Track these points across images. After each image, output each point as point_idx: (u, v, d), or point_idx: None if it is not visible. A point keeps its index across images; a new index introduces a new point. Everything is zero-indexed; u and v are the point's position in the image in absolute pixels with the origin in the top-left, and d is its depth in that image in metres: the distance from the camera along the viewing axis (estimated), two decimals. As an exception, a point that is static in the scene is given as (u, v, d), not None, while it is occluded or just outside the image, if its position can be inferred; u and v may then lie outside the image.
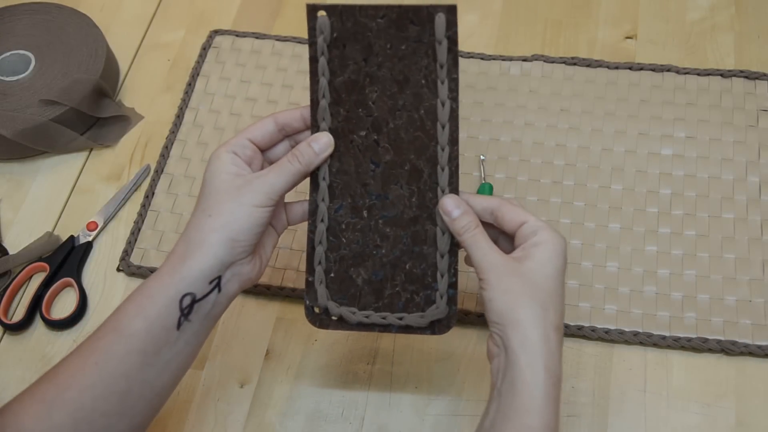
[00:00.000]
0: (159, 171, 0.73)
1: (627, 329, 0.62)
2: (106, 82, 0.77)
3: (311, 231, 0.54)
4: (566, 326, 0.63)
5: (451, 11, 0.50)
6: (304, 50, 0.80)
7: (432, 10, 0.50)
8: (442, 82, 0.51)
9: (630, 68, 0.75)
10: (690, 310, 0.63)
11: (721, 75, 0.74)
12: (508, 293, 0.48)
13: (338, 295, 0.54)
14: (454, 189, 0.52)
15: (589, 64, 0.76)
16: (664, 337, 0.62)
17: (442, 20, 0.50)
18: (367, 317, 0.54)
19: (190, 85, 0.79)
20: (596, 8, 0.81)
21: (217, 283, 0.50)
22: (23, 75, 0.76)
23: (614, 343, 0.62)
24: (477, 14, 0.82)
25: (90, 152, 0.77)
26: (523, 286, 0.48)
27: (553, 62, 0.76)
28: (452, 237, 0.52)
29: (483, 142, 0.72)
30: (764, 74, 0.74)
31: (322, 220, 0.54)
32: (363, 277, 0.54)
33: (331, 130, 0.53)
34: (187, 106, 0.77)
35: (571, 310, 0.63)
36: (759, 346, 0.61)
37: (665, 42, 0.78)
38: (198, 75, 0.79)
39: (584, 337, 0.63)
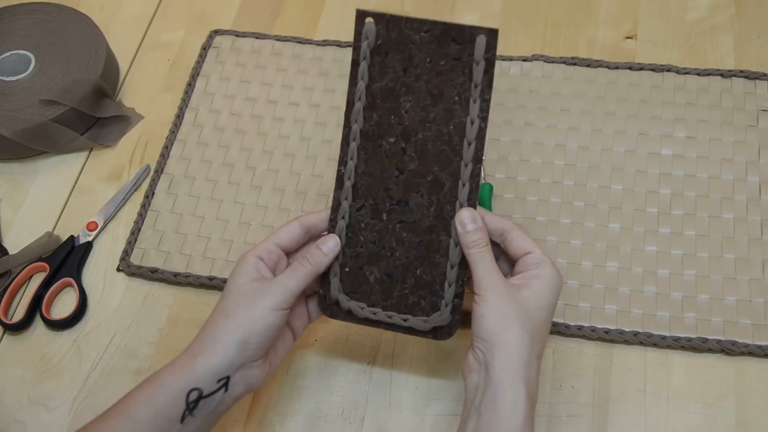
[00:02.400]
0: (159, 171, 0.73)
1: (627, 329, 0.62)
2: (106, 82, 0.77)
3: (332, 226, 0.56)
4: (566, 326, 0.63)
5: (492, 34, 0.52)
6: (304, 50, 0.80)
7: (474, 31, 0.52)
8: (474, 101, 0.53)
9: (630, 68, 0.75)
10: (690, 310, 0.63)
11: (721, 75, 0.74)
12: (502, 315, 0.50)
13: (350, 289, 0.56)
14: (472, 204, 0.54)
15: (589, 64, 0.76)
16: (664, 337, 0.62)
17: (483, 42, 0.52)
18: (374, 314, 0.55)
19: (190, 85, 0.79)
20: (596, 8, 0.81)
21: (225, 382, 0.51)
22: (23, 75, 0.76)
23: (614, 343, 0.62)
24: (477, 14, 0.82)
25: (90, 152, 0.77)
26: (517, 311, 0.50)
27: (553, 62, 0.76)
28: None
29: (483, 142, 0.72)
30: (764, 74, 0.74)
31: (343, 217, 0.55)
32: (375, 275, 0.55)
33: (362, 132, 0.55)
34: (187, 106, 0.77)
35: (571, 310, 0.63)
36: (759, 346, 0.61)
37: (665, 42, 0.78)
38: (198, 75, 0.79)
39: (584, 337, 0.63)
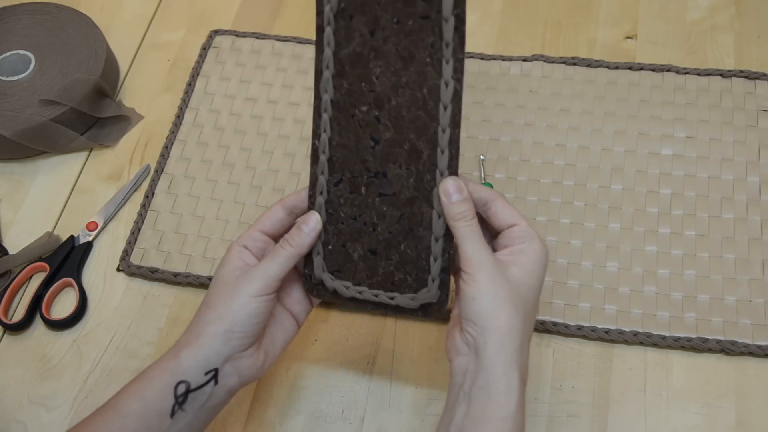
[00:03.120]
0: (159, 171, 0.73)
1: (627, 329, 0.62)
2: (106, 82, 0.77)
3: (311, 203, 0.54)
4: (566, 326, 0.63)
5: None
6: (304, 50, 0.80)
7: None
8: (447, 62, 0.49)
9: (630, 68, 0.76)
10: (690, 310, 0.63)
11: (721, 75, 0.74)
12: (494, 296, 0.47)
13: (334, 268, 0.54)
14: (454, 172, 0.51)
15: (589, 64, 0.76)
16: (664, 337, 0.62)
17: None
18: (359, 293, 0.53)
19: (190, 85, 0.79)
20: (596, 8, 0.81)
21: (213, 375, 0.50)
22: (23, 75, 0.76)
23: (614, 343, 0.62)
24: (477, 14, 0.82)
25: (90, 152, 0.77)
26: (510, 293, 0.48)
27: (553, 62, 0.76)
28: None
29: (483, 142, 0.72)
30: (764, 74, 0.74)
31: (321, 193, 0.53)
32: (359, 252, 0.53)
33: (333, 103, 0.52)
34: (187, 106, 0.77)
35: (571, 310, 0.63)
36: (759, 346, 0.61)
37: (665, 42, 0.78)
38: (198, 75, 0.79)
39: (584, 337, 0.63)
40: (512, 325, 0.47)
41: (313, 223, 0.53)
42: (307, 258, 0.54)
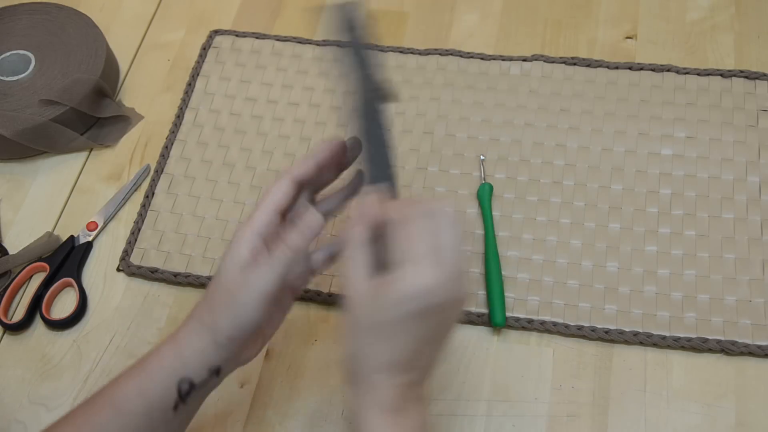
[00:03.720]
0: (159, 171, 0.73)
1: (627, 329, 0.62)
2: (106, 82, 0.77)
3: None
4: (566, 326, 0.63)
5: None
6: (304, 50, 0.80)
7: None
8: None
9: (630, 68, 0.75)
10: (690, 310, 0.63)
11: (721, 75, 0.74)
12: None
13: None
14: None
15: (589, 64, 0.76)
16: (664, 337, 0.62)
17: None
18: None
19: (190, 85, 0.79)
20: (596, 8, 0.81)
21: (216, 371, 0.50)
22: (23, 75, 0.76)
23: (614, 343, 0.62)
24: (477, 14, 0.82)
25: (90, 152, 0.77)
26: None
27: (553, 62, 0.76)
28: None
29: (483, 142, 0.72)
30: (764, 74, 0.74)
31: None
32: None
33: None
34: (187, 106, 0.77)
35: (571, 310, 0.63)
36: (759, 346, 0.61)
37: (665, 42, 0.78)
38: (198, 75, 0.79)
39: (584, 337, 0.63)
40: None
41: (317, 227, 0.51)
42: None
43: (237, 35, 0.82)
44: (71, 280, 0.68)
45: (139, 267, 0.68)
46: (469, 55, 0.78)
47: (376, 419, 0.45)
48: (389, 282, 0.44)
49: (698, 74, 0.75)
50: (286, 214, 0.52)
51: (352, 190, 0.56)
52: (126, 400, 0.49)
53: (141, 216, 0.71)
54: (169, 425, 0.49)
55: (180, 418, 0.50)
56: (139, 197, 0.73)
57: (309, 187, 0.54)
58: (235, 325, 0.49)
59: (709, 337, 0.61)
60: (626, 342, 0.62)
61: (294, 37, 0.81)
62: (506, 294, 0.64)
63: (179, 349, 0.49)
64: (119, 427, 0.48)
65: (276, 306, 0.52)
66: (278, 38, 0.81)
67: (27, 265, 0.69)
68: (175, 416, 0.49)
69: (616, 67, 0.76)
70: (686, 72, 0.75)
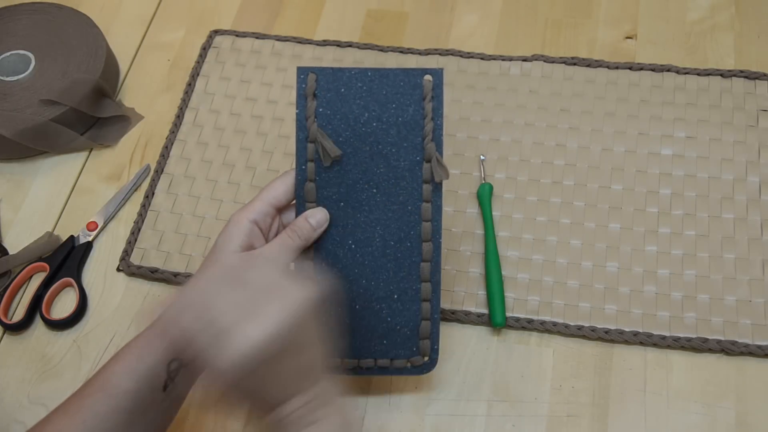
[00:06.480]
0: (159, 171, 0.73)
1: (627, 329, 0.62)
2: (106, 82, 0.77)
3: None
4: (566, 326, 0.63)
5: None
6: (304, 50, 0.80)
7: None
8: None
9: (630, 68, 0.75)
10: (690, 310, 0.63)
11: (721, 75, 0.74)
12: None
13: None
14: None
15: (589, 64, 0.76)
16: (664, 337, 0.62)
17: None
18: None
19: (190, 85, 0.79)
20: (596, 8, 0.81)
21: None
22: (23, 75, 0.76)
23: (614, 343, 0.62)
24: (477, 14, 0.82)
25: (90, 152, 0.77)
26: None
27: (553, 62, 0.76)
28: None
29: (483, 142, 0.72)
30: (764, 74, 0.74)
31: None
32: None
33: None
34: (187, 106, 0.77)
35: (571, 310, 0.63)
36: (759, 346, 0.61)
37: (665, 42, 0.78)
38: (198, 75, 0.79)
39: (584, 337, 0.63)
40: None
41: (320, 219, 0.53)
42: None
43: (237, 35, 0.82)
44: (71, 280, 0.68)
45: (139, 267, 0.68)
46: (469, 55, 0.78)
47: None
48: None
49: (698, 74, 0.75)
50: (281, 211, 0.54)
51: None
52: (116, 381, 0.49)
53: (141, 216, 0.71)
54: (159, 407, 0.50)
55: (169, 400, 0.50)
56: (139, 197, 0.73)
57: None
58: None
59: (709, 337, 0.61)
60: (626, 342, 0.62)
61: (294, 37, 0.81)
62: (506, 294, 0.64)
63: (169, 336, 0.49)
64: (110, 409, 0.48)
65: None
66: (278, 38, 0.81)
67: (27, 265, 0.69)
68: (165, 397, 0.49)
69: (616, 67, 0.76)
70: (686, 72, 0.75)
